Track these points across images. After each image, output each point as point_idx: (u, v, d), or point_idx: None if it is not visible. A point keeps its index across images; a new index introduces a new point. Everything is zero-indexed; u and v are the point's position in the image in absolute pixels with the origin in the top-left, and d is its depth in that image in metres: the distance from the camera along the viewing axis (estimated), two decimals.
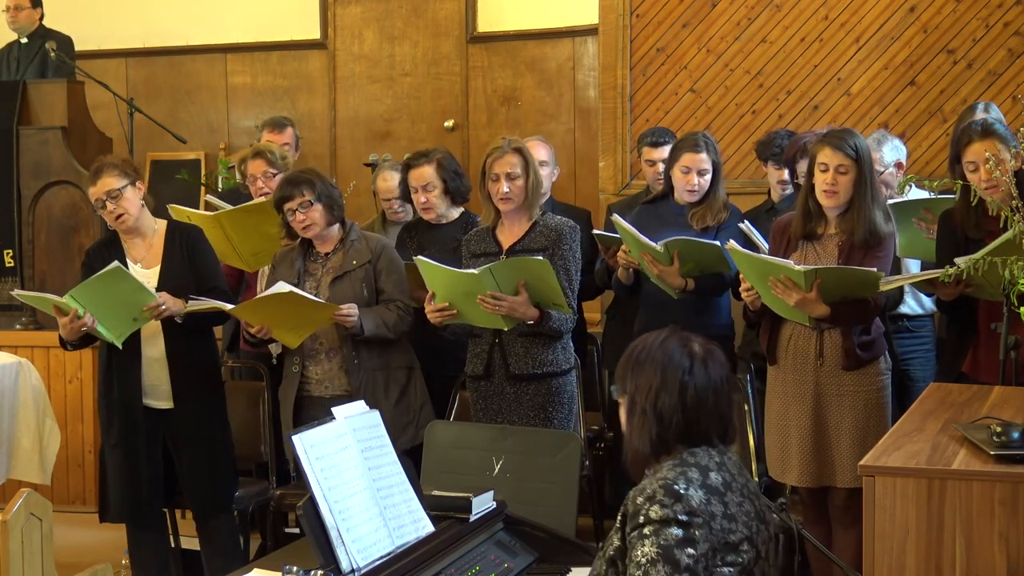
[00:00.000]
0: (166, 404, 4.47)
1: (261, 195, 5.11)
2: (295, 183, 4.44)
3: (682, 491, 2.47)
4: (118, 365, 4.46)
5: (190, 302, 4.38)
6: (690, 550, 2.43)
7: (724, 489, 2.54)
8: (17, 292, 4.60)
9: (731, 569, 2.49)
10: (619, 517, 2.57)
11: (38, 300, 4.50)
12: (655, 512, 2.46)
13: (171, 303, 4.35)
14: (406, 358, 4.55)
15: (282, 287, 4.22)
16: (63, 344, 4.48)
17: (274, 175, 5.11)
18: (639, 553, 2.44)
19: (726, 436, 2.65)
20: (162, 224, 4.57)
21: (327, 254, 4.52)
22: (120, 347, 4.38)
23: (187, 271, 4.47)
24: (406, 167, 4.94)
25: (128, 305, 4.31)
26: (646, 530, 2.45)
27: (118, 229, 4.48)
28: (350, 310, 4.30)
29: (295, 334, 4.38)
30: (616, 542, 2.56)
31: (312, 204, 4.41)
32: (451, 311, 4.23)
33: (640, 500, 2.50)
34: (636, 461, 2.63)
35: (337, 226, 4.53)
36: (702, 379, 2.60)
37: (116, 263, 4.28)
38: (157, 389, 4.47)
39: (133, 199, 4.43)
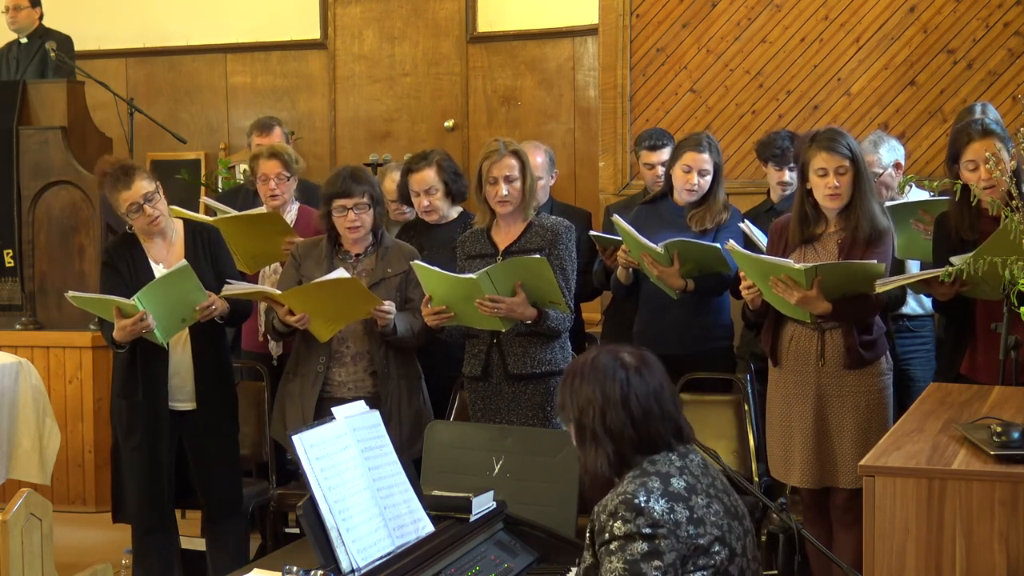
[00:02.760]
0: (188, 405, 4.45)
1: (271, 196, 5.09)
2: (358, 181, 4.38)
3: (643, 504, 2.47)
4: (143, 367, 4.40)
5: (226, 286, 4.35)
6: (656, 562, 2.44)
7: (688, 493, 2.53)
8: (72, 294, 4.39)
9: (704, 573, 2.49)
10: (588, 533, 2.58)
11: (94, 303, 4.39)
12: (618, 528, 2.47)
13: (219, 303, 4.34)
14: (418, 368, 4.54)
15: (343, 273, 4.21)
16: (116, 346, 4.37)
17: (288, 178, 5.10)
18: (606, 569, 2.47)
19: (682, 436, 2.64)
20: (179, 224, 4.56)
21: (357, 255, 4.49)
22: (166, 346, 4.34)
23: (209, 270, 4.45)
24: (406, 171, 4.93)
25: (182, 305, 4.28)
26: (612, 546, 2.47)
27: (150, 231, 4.41)
28: (390, 307, 4.29)
29: (329, 327, 4.36)
30: (588, 559, 2.58)
31: (368, 208, 4.39)
32: (448, 314, 4.23)
33: (603, 517, 2.51)
34: (597, 484, 2.61)
35: None
36: (641, 387, 2.59)
37: (184, 262, 4.26)
38: (180, 390, 4.44)
39: (164, 201, 4.42)
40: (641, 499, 2.47)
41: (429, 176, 4.81)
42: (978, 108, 4.93)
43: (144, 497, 4.47)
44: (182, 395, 4.45)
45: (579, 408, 2.62)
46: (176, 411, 4.44)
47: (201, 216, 5.05)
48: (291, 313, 4.31)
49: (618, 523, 2.47)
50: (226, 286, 4.37)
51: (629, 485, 2.52)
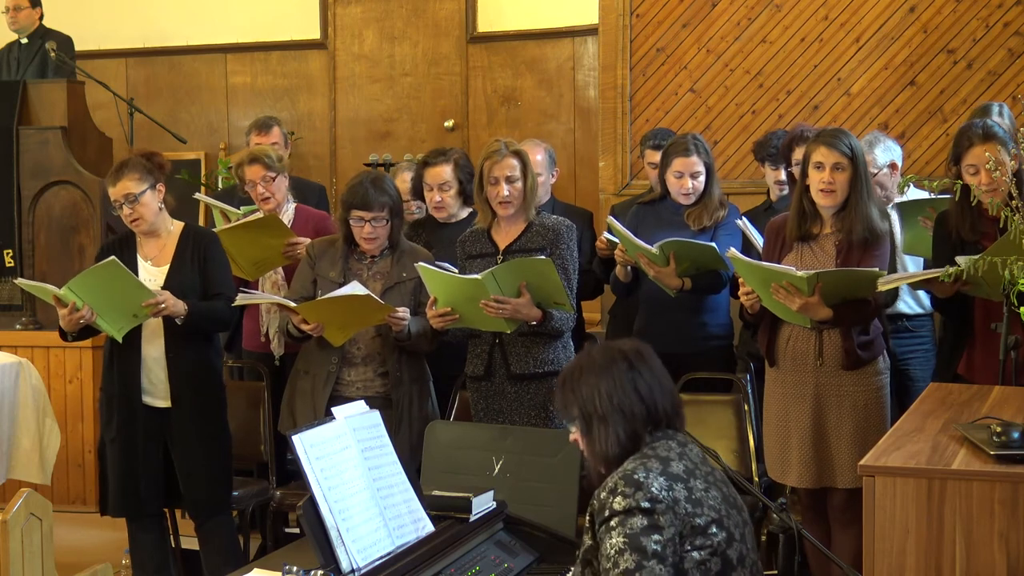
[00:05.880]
0: (165, 403, 4.48)
1: (263, 200, 5.08)
2: (380, 192, 4.34)
3: (642, 479, 2.50)
4: (119, 361, 4.47)
5: (240, 295, 4.39)
6: (656, 536, 2.46)
7: (687, 476, 2.57)
8: (20, 280, 4.61)
9: (701, 553, 2.51)
10: (587, 517, 2.60)
11: (38, 289, 4.52)
12: (618, 503, 2.50)
13: (171, 302, 4.34)
14: (427, 371, 4.53)
15: (357, 288, 4.19)
16: (63, 335, 4.48)
17: (273, 178, 5.08)
18: (607, 546, 2.49)
19: (680, 416, 2.70)
20: (179, 225, 4.58)
21: (373, 257, 4.46)
22: (120, 341, 4.39)
23: (195, 274, 4.47)
24: (423, 165, 4.93)
25: (127, 301, 4.32)
26: (612, 522, 2.50)
27: (134, 230, 4.51)
28: (404, 313, 4.28)
29: (343, 332, 4.36)
30: (588, 541, 2.60)
31: (387, 222, 4.37)
32: (453, 316, 4.23)
33: (603, 495, 2.54)
34: (608, 470, 2.63)
35: None
36: (644, 369, 2.67)
37: (112, 257, 4.30)
38: (157, 388, 4.47)
39: (151, 203, 4.43)
40: (640, 475, 2.51)
41: (445, 172, 4.82)
42: (995, 108, 4.90)
43: (122, 488, 4.50)
44: (158, 393, 4.47)
45: (584, 398, 2.65)
46: (157, 408, 4.47)
47: (226, 207, 5.03)
48: (306, 321, 4.32)
49: (618, 499, 2.50)
50: (241, 295, 4.39)
51: (629, 464, 2.56)
